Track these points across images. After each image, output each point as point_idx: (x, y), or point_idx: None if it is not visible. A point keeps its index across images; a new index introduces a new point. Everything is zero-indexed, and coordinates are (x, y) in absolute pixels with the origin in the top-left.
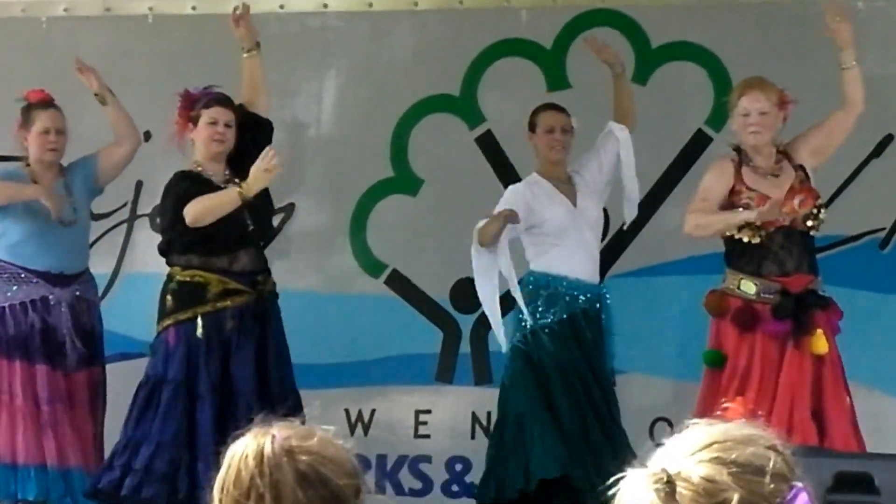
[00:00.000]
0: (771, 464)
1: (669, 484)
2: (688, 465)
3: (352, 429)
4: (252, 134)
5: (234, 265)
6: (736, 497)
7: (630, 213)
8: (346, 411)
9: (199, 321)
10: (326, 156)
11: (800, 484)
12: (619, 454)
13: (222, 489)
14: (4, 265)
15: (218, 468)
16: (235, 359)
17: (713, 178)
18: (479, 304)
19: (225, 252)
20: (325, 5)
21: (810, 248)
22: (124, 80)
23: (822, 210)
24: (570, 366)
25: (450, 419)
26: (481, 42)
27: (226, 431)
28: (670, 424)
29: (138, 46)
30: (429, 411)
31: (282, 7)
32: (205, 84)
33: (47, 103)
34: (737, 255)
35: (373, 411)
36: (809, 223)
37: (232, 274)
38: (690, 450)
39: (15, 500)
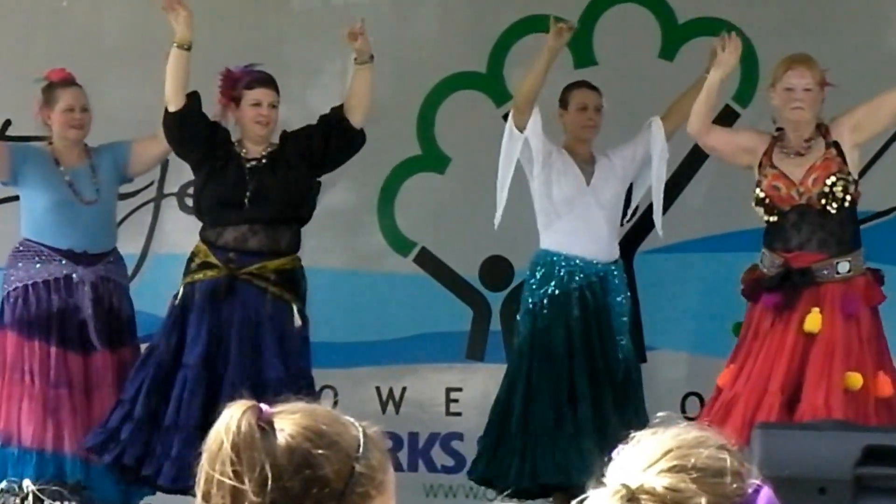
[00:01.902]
0: (728, 463)
1: (633, 499)
2: (648, 478)
3: (383, 407)
4: (339, 138)
5: (218, 240)
6: (703, 502)
7: (659, 228)
8: (377, 389)
9: (181, 291)
10: None
11: (758, 481)
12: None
13: (202, 461)
14: (29, 243)
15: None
16: (188, 335)
17: (752, 129)
18: (508, 282)
19: (215, 224)
20: None
21: (828, 225)
22: (148, 58)
23: (839, 185)
24: (557, 344)
25: (481, 396)
26: (507, 18)
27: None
28: (701, 399)
29: (161, 24)
30: (460, 389)
31: None
32: (228, 61)
33: (70, 82)
34: (765, 231)
35: (403, 389)
36: (823, 202)
37: (215, 247)
38: (647, 461)
39: (15, 482)
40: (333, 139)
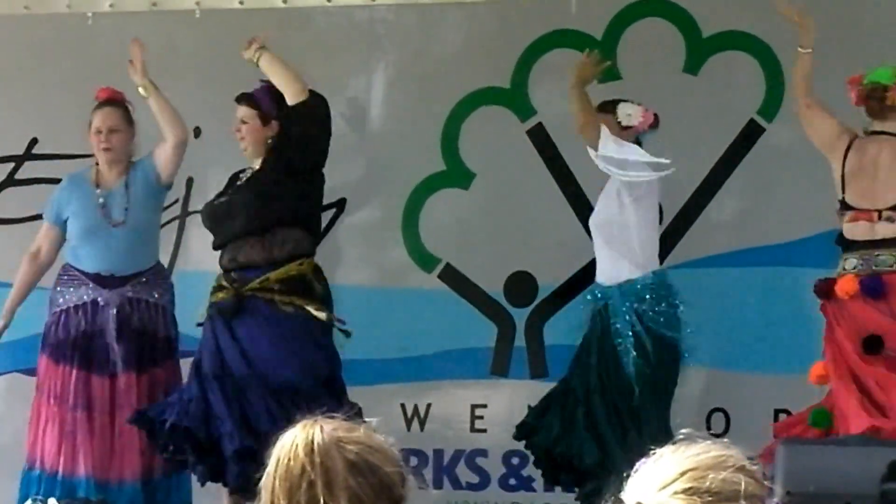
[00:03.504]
0: (743, 486)
1: None
2: (662, 499)
3: (408, 423)
4: (298, 123)
5: (221, 261)
6: None
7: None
8: (402, 406)
9: (205, 314)
10: (377, 150)
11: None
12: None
13: (273, 484)
14: (68, 268)
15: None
16: (202, 353)
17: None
18: (533, 298)
19: (218, 247)
20: None
21: None
22: (172, 76)
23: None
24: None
25: (506, 413)
26: (531, 33)
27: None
28: (726, 415)
29: (186, 42)
30: (485, 405)
31: (329, 1)
32: (257, 76)
33: (103, 102)
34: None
35: (428, 406)
36: None
37: (224, 269)
38: (664, 481)
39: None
40: (290, 129)
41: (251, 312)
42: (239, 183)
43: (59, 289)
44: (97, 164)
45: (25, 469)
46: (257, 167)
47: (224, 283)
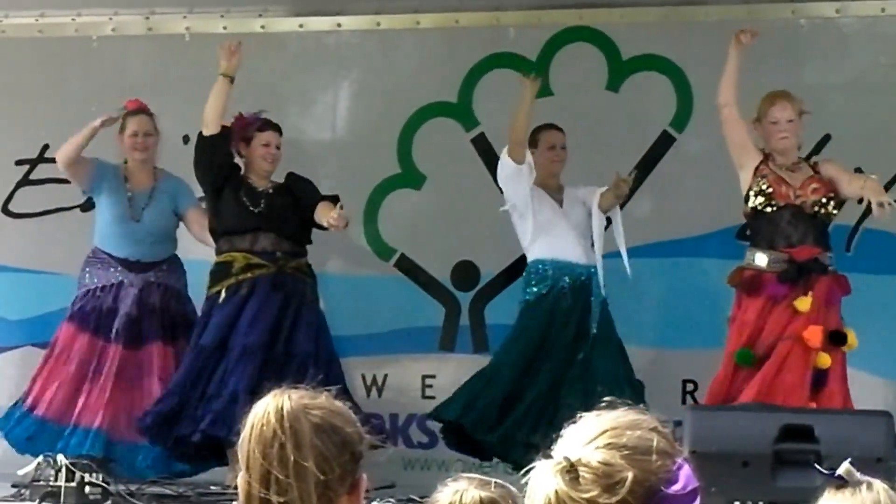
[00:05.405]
0: (654, 443)
1: (572, 470)
2: (586, 452)
3: (368, 391)
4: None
5: (255, 246)
6: (630, 476)
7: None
8: (363, 376)
9: (224, 292)
10: (342, 155)
11: (680, 459)
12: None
13: (248, 446)
14: (97, 252)
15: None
16: (244, 320)
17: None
18: (476, 283)
19: (245, 234)
20: (339, 24)
21: (818, 227)
22: (165, 91)
23: (832, 203)
24: (537, 332)
25: (452, 383)
26: (475, 55)
27: (227, 382)
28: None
29: (177, 61)
30: (434, 376)
31: (301, 26)
32: (237, 96)
33: (137, 111)
34: (753, 233)
35: (385, 376)
36: (815, 209)
37: (253, 252)
38: (587, 438)
39: (50, 456)
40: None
41: (290, 287)
42: (261, 191)
43: (87, 269)
44: (125, 162)
45: (11, 405)
46: (270, 186)
47: (261, 262)
